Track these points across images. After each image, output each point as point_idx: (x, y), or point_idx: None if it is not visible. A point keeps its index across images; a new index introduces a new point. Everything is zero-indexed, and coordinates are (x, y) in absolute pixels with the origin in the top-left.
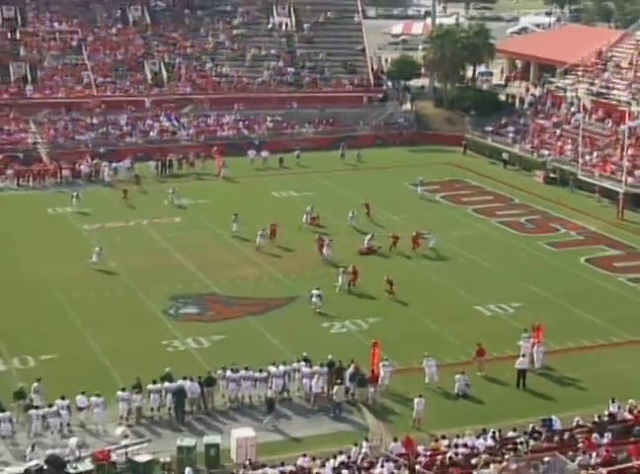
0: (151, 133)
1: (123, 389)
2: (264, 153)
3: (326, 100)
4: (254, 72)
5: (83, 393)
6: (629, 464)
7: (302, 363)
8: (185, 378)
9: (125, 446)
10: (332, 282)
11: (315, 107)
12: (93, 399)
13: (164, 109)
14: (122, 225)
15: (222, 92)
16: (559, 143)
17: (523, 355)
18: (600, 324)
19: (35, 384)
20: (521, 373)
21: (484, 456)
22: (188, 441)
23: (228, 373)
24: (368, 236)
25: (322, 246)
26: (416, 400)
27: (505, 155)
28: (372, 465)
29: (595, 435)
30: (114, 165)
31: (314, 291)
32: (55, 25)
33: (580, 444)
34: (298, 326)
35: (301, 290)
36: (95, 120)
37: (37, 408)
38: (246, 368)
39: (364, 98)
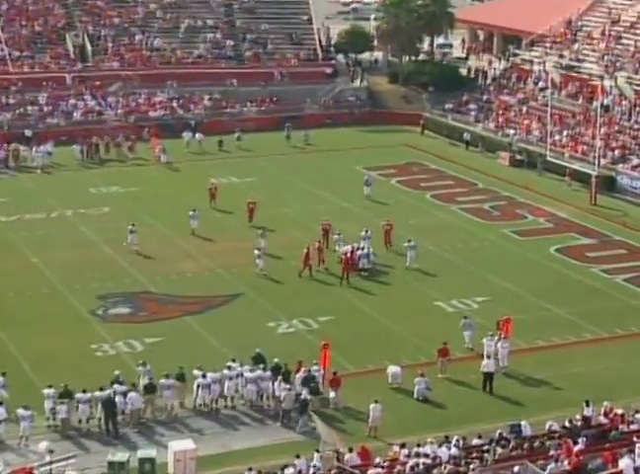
0: (75, 114)
1: (50, 386)
2: (198, 135)
3: (269, 76)
4: (189, 45)
5: (1, 404)
6: (605, 472)
7: (245, 367)
8: (118, 383)
9: (50, 463)
10: (279, 277)
11: (257, 84)
12: (20, 411)
13: (89, 87)
14: (44, 217)
15: (154, 67)
16: (526, 122)
17: (488, 357)
18: (573, 319)
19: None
20: (488, 377)
21: (447, 467)
22: (120, 456)
23: (200, 380)
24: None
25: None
26: (371, 406)
27: (466, 135)
28: None
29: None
30: (34, 149)
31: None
32: None
33: (552, 452)
34: (242, 326)
35: (244, 286)
36: (11, 100)
37: None
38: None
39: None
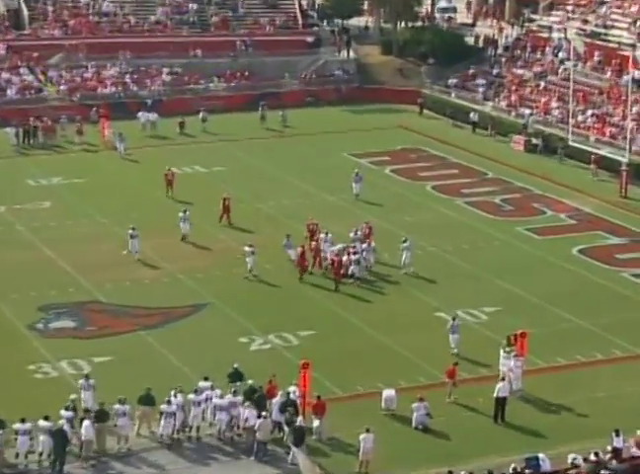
0: (9, 91)
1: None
2: (152, 116)
3: (240, 45)
4: (144, 10)
5: None
6: None
7: (216, 392)
8: (68, 409)
9: None
10: (252, 284)
11: (226, 55)
12: None
13: (25, 59)
14: None
15: (103, 36)
16: (543, 100)
17: (503, 379)
18: (599, 333)
19: None
20: (501, 402)
21: None
22: None
23: (164, 406)
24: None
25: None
26: (362, 436)
27: (473, 116)
28: None
29: None
30: None
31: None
32: None
33: None
34: (208, 342)
35: (211, 295)
36: None
37: None
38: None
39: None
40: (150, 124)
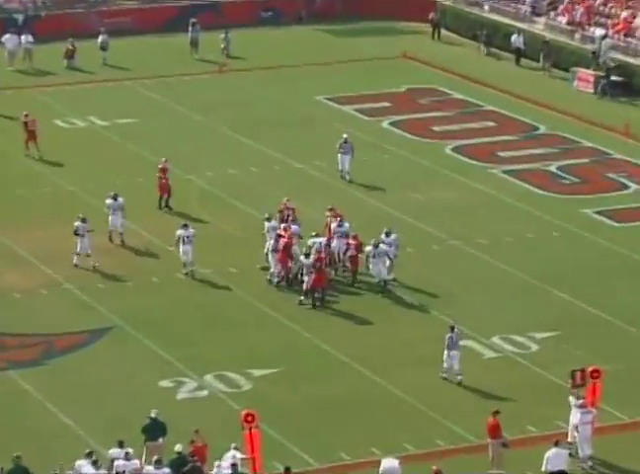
0: None
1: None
2: (25, 41)
3: None
4: None
5: None
6: None
7: (133, 462)
8: None
9: None
10: (181, 295)
11: None
12: None
13: None
14: None
15: None
16: (624, 14)
17: (557, 443)
18: None
19: None
20: None
21: None
22: None
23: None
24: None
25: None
26: None
27: (517, 39)
28: None
29: None
30: None
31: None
32: None
33: None
34: (111, 387)
35: (116, 315)
36: None
37: None
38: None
39: None
40: (24, 53)
